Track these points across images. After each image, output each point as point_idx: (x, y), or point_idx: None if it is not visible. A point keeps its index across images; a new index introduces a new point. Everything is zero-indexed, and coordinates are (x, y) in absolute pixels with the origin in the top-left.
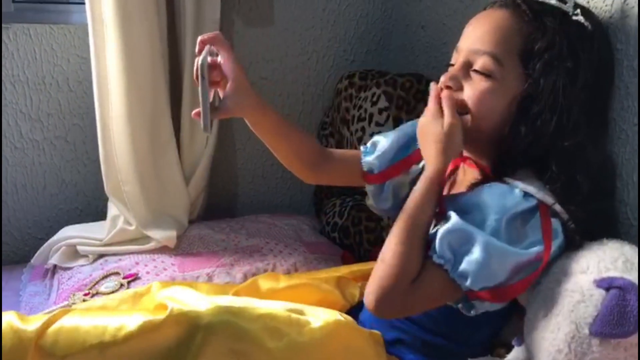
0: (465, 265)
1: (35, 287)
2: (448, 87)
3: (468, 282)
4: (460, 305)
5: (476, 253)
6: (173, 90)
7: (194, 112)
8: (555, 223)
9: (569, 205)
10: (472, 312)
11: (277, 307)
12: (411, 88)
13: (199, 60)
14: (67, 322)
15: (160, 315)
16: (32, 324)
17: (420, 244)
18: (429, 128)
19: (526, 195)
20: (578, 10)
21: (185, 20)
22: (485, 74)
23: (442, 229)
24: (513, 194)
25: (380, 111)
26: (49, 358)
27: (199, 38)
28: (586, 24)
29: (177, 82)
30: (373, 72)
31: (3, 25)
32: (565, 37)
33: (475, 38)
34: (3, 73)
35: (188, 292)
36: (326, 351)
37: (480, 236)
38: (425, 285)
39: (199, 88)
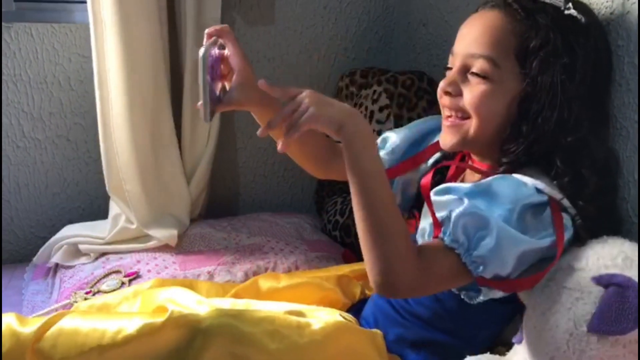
0: (479, 251)
1: (37, 285)
2: (447, 93)
3: (480, 269)
4: (463, 293)
5: (489, 239)
6: (174, 89)
7: (198, 103)
8: (566, 218)
9: (577, 200)
10: (478, 300)
11: (277, 310)
12: (412, 86)
13: (200, 51)
14: (66, 325)
15: (160, 318)
16: (30, 326)
17: (394, 213)
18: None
19: (538, 190)
20: (570, 4)
21: (186, 19)
22: (483, 76)
23: (456, 211)
24: (527, 187)
25: (381, 109)
26: None
27: (206, 30)
28: (579, 17)
29: (178, 81)
30: (374, 69)
31: (5, 24)
32: (560, 32)
33: (470, 41)
34: (5, 72)
35: (188, 295)
36: (327, 352)
37: (494, 222)
38: (436, 267)
39: (199, 77)
